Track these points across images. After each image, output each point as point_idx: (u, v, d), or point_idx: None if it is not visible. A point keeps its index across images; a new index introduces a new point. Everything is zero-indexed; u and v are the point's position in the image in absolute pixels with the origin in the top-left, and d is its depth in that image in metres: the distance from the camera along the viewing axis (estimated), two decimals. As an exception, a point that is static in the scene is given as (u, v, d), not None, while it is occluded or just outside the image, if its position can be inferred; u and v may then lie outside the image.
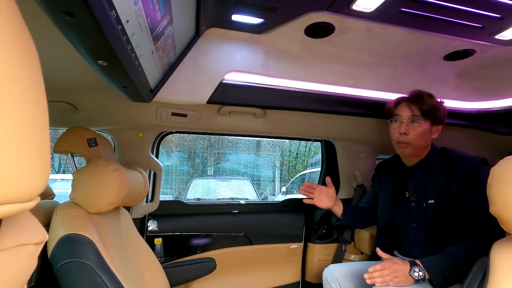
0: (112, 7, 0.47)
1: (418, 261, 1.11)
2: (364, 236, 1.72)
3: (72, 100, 1.21)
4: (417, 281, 1.08)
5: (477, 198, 1.10)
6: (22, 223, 0.28)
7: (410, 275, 1.08)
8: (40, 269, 0.84)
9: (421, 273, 1.08)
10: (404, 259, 1.14)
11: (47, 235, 0.31)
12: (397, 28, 1.05)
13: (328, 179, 1.36)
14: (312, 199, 1.38)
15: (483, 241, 1.06)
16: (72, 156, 1.09)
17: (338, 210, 1.40)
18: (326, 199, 1.36)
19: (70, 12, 0.43)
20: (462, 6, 0.91)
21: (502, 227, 0.59)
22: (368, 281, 1.10)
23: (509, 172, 0.56)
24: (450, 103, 1.51)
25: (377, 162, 1.88)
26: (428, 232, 1.24)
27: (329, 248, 1.83)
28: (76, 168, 1.08)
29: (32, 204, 0.24)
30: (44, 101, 0.26)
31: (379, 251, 1.18)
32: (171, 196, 8.21)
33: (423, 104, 1.20)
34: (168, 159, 10.05)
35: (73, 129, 1.03)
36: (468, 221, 1.13)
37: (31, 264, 0.29)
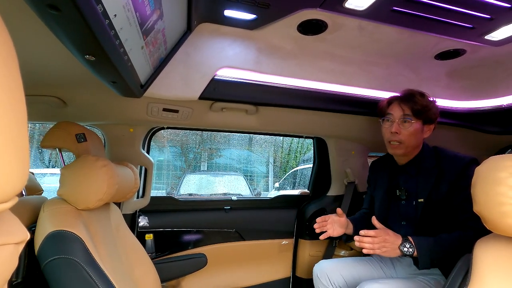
0: (99, 1, 0.46)
1: (410, 238, 1.11)
2: (354, 233, 1.75)
3: (60, 94, 1.19)
4: (404, 255, 1.09)
5: (467, 197, 1.11)
6: (1, 223, 0.27)
7: (400, 248, 1.09)
8: (27, 265, 0.83)
9: (410, 249, 1.08)
10: (396, 234, 1.14)
11: (28, 234, 0.31)
12: (389, 27, 1.05)
13: (339, 210, 1.35)
14: (326, 231, 1.34)
15: (475, 236, 1.07)
16: (60, 151, 1.08)
17: (350, 231, 1.40)
18: (339, 227, 1.34)
19: (55, 5, 0.42)
20: (453, 6, 0.92)
21: (485, 225, 0.60)
22: (357, 244, 1.09)
23: (491, 172, 0.57)
24: (440, 102, 1.53)
25: (368, 160, 1.90)
26: (416, 231, 1.26)
27: (320, 244, 1.85)
28: (64, 164, 1.06)
29: (9, 204, 0.23)
30: (21, 97, 0.25)
31: (374, 220, 1.16)
32: (164, 191, 8.18)
33: (414, 104, 1.21)
34: (161, 154, 9.98)
35: (61, 124, 1.01)
36: (456, 220, 1.15)
37: (11, 264, 0.28)
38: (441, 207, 1.19)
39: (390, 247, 1.09)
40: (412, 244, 1.09)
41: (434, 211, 1.21)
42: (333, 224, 1.35)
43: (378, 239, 1.09)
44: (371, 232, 1.09)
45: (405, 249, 1.09)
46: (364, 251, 1.08)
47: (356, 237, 1.10)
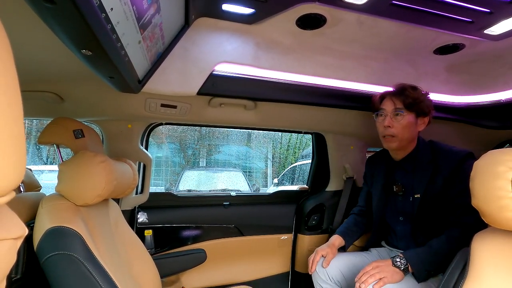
0: (95, -6, 0.46)
1: (400, 254, 1.13)
2: (353, 227, 1.75)
3: (57, 90, 1.18)
4: (403, 270, 1.09)
5: (460, 192, 1.12)
6: (-1, 218, 0.27)
7: (394, 265, 1.10)
8: (26, 261, 0.83)
9: (403, 261, 1.10)
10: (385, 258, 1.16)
11: (26, 229, 0.30)
12: (388, 21, 1.04)
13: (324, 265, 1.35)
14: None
15: (464, 233, 1.08)
16: (58, 147, 1.07)
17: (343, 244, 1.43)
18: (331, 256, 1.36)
19: None
20: (452, 0, 0.91)
21: (483, 219, 0.61)
22: (362, 286, 1.09)
23: (490, 166, 0.57)
24: (439, 97, 1.53)
25: (367, 155, 1.91)
26: (413, 226, 1.27)
27: (319, 239, 1.85)
28: (62, 160, 1.06)
29: (6, 199, 0.23)
30: (17, 90, 0.24)
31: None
32: (163, 188, 8.18)
33: (406, 97, 1.22)
34: (160, 151, 9.97)
35: (59, 120, 1.00)
36: (452, 214, 1.16)
37: (9, 259, 0.28)
38: (437, 202, 1.19)
39: (386, 268, 1.09)
40: (402, 257, 1.10)
41: (431, 207, 1.21)
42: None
43: (370, 269, 1.10)
44: (360, 273, 1.11)
45: (398, 263, 1.10)
46: (371, 281, 1.08)
47: (356, 285, 1.11)
